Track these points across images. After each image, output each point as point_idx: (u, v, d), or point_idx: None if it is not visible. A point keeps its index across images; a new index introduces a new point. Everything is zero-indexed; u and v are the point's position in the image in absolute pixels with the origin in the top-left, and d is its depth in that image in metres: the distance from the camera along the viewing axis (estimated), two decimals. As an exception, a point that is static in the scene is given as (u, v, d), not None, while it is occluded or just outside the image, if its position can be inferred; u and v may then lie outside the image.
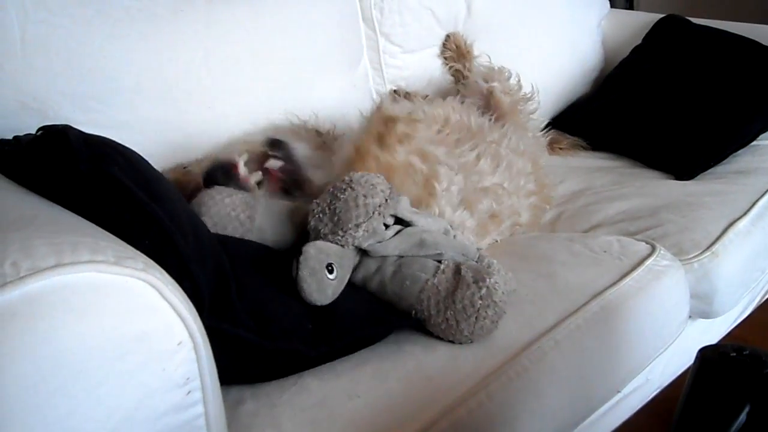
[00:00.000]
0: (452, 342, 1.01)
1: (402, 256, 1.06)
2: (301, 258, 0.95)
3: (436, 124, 1.36)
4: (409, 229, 1.08)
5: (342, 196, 1.01)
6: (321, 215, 1.02)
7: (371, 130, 1.22)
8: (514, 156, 1.44)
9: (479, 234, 1.29)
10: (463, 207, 1.26)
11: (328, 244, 1.00)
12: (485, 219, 1.31)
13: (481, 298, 0.98)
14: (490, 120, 1.52)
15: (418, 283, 1.02)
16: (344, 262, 1.01)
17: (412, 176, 1.20)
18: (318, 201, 1.03)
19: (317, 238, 1.01)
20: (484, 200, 1.30)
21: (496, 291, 0.99)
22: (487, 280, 1.00)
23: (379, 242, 1.04)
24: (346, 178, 1.04)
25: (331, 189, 1.04)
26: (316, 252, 0.97)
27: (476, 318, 0.98)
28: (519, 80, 1.66)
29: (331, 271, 0.97)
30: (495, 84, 1.61)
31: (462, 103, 1.52)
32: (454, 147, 1.34)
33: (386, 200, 1.02)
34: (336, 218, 1.00)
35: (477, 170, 1.33)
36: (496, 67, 1.68)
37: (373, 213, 1.00)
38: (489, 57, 1.78)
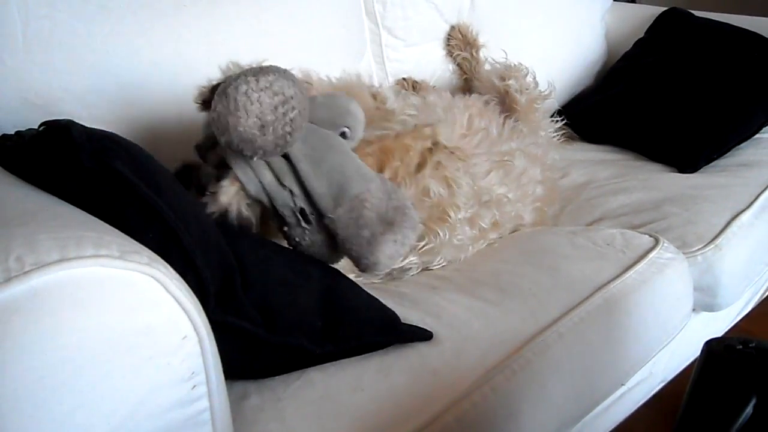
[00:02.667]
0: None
1: None
2: None
3: (461, 128, 1.35)
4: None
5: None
6: None
7: (421, 141, 1.20)
8: (528, 164, 1.43)
9: (476, 240, 1.29)
10: (467, 224, 1.25)
11: None
12: (486, 228, 1.30)
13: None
14: (509, 122, 1.51)
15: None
16: None
17: (425, 200, 1.19)
18: None
19: None
20: (488, 215, 1.29)
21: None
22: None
23: None
24: None
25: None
26: None
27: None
28: (535, 78, 1.66)
29: None
30: (511, 82, 1.60)
31: (487, 104, 1.51)
32: (472, 154, 1.33)
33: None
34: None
35: (486, 181, 1.32)
36: (513, 64, 1.67)
37: None
38: (505, 52, 1.77)
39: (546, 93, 1.66)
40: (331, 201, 0.99)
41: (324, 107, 1.05)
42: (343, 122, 1.06)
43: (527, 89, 1.60)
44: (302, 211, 1.00)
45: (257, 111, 0.90)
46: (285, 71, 0.96)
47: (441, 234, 1.20)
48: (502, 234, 1.35)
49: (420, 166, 1.19)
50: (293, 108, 0.92)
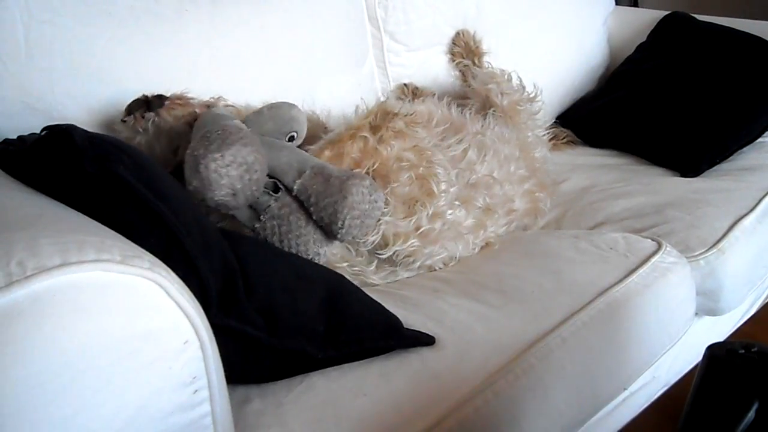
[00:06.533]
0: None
1: None
2: None
3: (421, 118, 1.36)
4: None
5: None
6: None
7: (368, 117, 1.25)
8: (499, 143, 1.45)
9: (475, 230, 1.29)
10: (459, 205, 1.26)
11: None
12: (480, 214, 1.31)
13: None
14: (470, 112, 1.53)
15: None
16: None
17: (405, 172, 1.21)
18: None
19: None
20: (478, 196, 1.31)
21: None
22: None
23: None
24: None
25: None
26: None
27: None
28: (521, 81, 1.66)
29: None
30: (491, 86, 1.61)
31: (448, 103, 1.53)
32: (441, 141, 1.34)
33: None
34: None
35: (465, 162, 1.34)
36: (497, 70, 1.68)
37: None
38: (490, 62, 1.78)
39: (531, 95, 1.66)
40: (295, 172, 1.12)
41: (270, 120, 1.19)
42: (289, 129, 1.19)
43: (508, 92, 1.61)
44: (271, 184, 1.12)
45: (228, 184, 1.02)
46: (240, 131, 1.06)
47: (428, 206, 1.20)
48: (497, 224, 1.36)
49: (380, 137, 1.22)
50: (255, 170, 1.05)
